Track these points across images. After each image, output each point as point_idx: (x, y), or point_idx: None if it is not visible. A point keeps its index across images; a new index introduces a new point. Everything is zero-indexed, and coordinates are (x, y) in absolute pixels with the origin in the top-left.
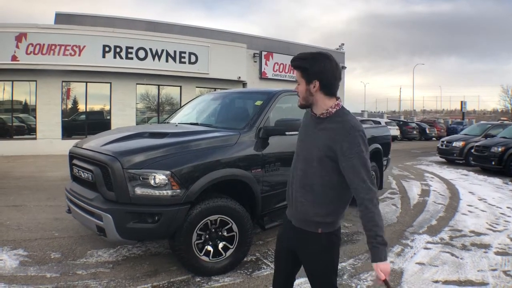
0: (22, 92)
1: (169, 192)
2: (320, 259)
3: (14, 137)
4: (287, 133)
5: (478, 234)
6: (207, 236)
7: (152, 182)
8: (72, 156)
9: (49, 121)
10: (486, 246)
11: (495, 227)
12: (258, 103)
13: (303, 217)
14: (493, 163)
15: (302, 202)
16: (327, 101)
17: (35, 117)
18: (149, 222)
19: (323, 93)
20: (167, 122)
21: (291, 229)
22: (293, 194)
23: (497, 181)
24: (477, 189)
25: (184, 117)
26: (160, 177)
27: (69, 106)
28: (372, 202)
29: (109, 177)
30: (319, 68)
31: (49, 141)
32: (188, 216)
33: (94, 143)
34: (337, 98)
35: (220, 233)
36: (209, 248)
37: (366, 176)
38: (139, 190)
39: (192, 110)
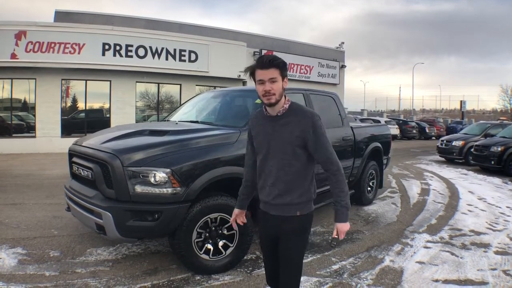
0: (22, 90)
1: (169, 190)
2: (297, 240)
3: (14, 135)
4: None
5: (478, 233)
6: (207, 234)
7: (152, 180)
8: (72, 154)
9: (48, 119)
10: (485, 246)
11: (494, 227)
12: (259, 101)
13: (282, 206)
14: (492, 162)
15: (279, 194)
16: (283, 98)
17: (34, 115)
18: (149, 220)
19: (284, 89)
20: (167, 120)
21: (270, 220)
22: (268, 190)
23: (497, 180)
24: (476, 189)
25: (184, 115)
26: (160, 175)
27: (69, 104)
28: (339, 171)
29: (109, 175)
30: (287, 67)
31: (49, 139)
32: (188, 214)
33: (94, 141)
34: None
35: (220, 231)
36: (209, 246)
37: (332, 151)
38: (139, 188)
39: (192, 108)
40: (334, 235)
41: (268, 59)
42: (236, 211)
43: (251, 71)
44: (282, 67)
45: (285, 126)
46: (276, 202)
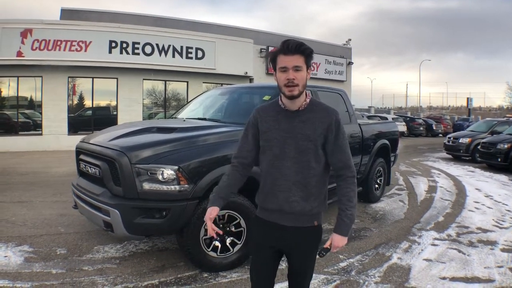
0: (28, 88)
1: (177, 187)
2: (313, 254)
3: (20, 133)
4: None
5: (485, 231)
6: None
7: (160, 177)
8: (79, 151)
9: (55, 117)
10: (492, 243)
11: (501, 224)
12: (266, 97)
13: (299, 215)
14: (499, 159)
15: (296, 201)
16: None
17: (41, 113)
18: (156, 218)
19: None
20: (175, 117)
21: (281, 231)
22: (281, 197)
23: (503, 178)
24: (483, 186)
25: (191, 112)
26: (168, 172)
27: (75, 102)
28: (353, 180)
29: (117, 172)
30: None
31: (55, 137)
32: (196, 211)
33: (102, 138)
34: None
35: (228, 228)
36: (217, 243)
37: (350, 155)
38: (146, 185)
39: (200, 105)
40: (327, 245)
41: (295, 43)
42: (215, 209)
43: (273, 57)
44: (308, 54)
45: (306, 122)
46: (293, 210)
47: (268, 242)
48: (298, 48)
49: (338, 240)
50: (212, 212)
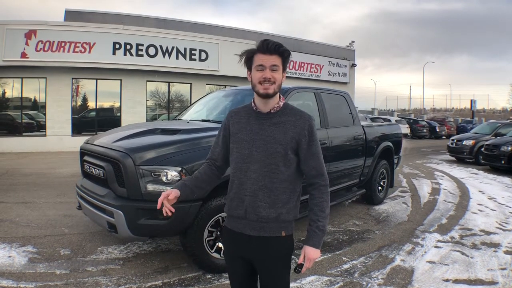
0: (32, 89)
1: None
2: (283, 265)
3: (24, 134)
4: None
5: (488, 233)
6: (218, 233)
7: (164, 178)
8: (83, 152)
9: (59, 118)
10: (495, 245)
11: (504, 226)
12: None
13: (264, 223)
14: (502, 162)
15: (262, 206)
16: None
17: (44, 114)
18: (160, 219)
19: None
20: (179, 119)
21: (246, 240)
22: (246, 203)
23: (507, 180)
24: (486, 188)
25: (195, 113)
26: (172, 173)
27: (79, 103)
28: (326, 189)
29: (121, 174)
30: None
31: (59, 138)
32: (200, 212)
33: (106, 139)
34: None
35: None
36: (220, 245)
37: (323, 162)
38: (150, 187)
39: (204, 107)
40: (300, 261)
41: (274, 44)
42: (175, 191)
43: (249, 55)
44: (286, 56)
45: (277, 125)
46: (257, 217)
47: (237, 253)
48: (277, 48)
49: (310, 253)
50: (171, 192)
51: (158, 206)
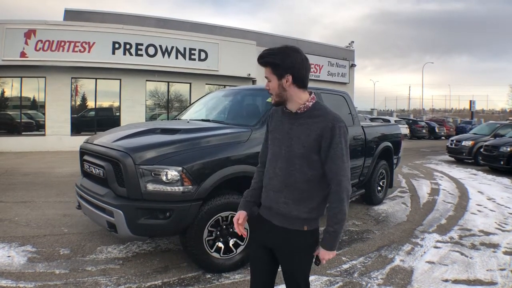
0: (31, 89)
1: (181, 188)
2: (302, 257)
3: (23, 133)
4: None
5: (487, 233)
6: (218, 232)
7: (164, 178)
8: (83, 152)
9: (58, 117)
10: (495, 246)
11: (503, 227)
12: (270, 100)
13: (287, 217)
14: (501, 162)
15: (285, 203)
16: (302, 94)
17: (44, 114)
18: (160, 218)
19: (297, 86)
20: (178, 119)
21: (271, 229)
22: (272, 196)
23: (506, 181)
24: (486, 189)
25: (195, 113)
26: (172, 173)
27: (78, 102)
28: (338, 196)
29: (121, 173)
30: (290, 61)
31: (58, 138)
32: (200, 212)
33: (106, 139)
34: (310, 92)
35: (231, 229)
36: (220, 244)
37: (346, 169)
38: (150, 186)
39: (203, 107)
40: (316, 253)
41: (260, 55)
42: (242, 213)
43: None
44: (273, 65)
45: (303, 126)
46: (280, 211)
47: (261, 238)
48: (261, 60)
49: (323, 254)
50: (239, 216)
51: (239, 230)
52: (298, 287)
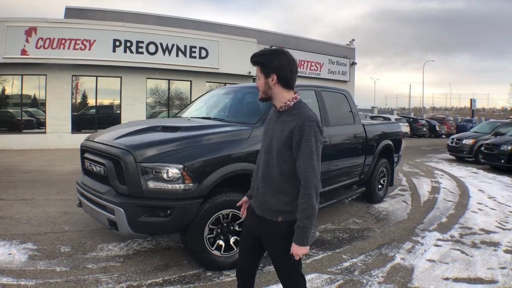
0: (32, 86)
1: (182, 186)
2: (281, 246)
3: (24, 131)
4: None
5: (488, 232)
6: (219, 230)
7: (165, 175)
8: (84, 149)
9: (59, 115)
10: (495, 244)
11: (504, 226)
12: None
13: (265, 206)
14: (502, 161)
15: (263, 192)
16: (285, 93)
17: (44, 111)
18: (161, 216)
19: (281, 86)
20: (179, 117)
21: (255, 218)
22: (256, 186)
23: (506, 179)
24: (486, 187)
25: (196, 111)
26: (173, 170)
27: (79, 100)
28: (306, 191)
29: (122, 171)
30: (277, 62)
31: (59, 135)
32: (201, 210)
33: (107, 136)
34: (295, 92)
35: (232, 227)
36: (221, 242)
37: (315, 166)
38: (151, 184)
39: (204, 105)
40: (292, 251)
41: (252, 56)
42: (245, 198)
43: None
44: (259, 64)
45: (281, 123)
46: (261, 201)
47: (249, 226)
48: (252, 60)
49: (295, 249)
50: (243, 200)
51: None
52: (287, 274)
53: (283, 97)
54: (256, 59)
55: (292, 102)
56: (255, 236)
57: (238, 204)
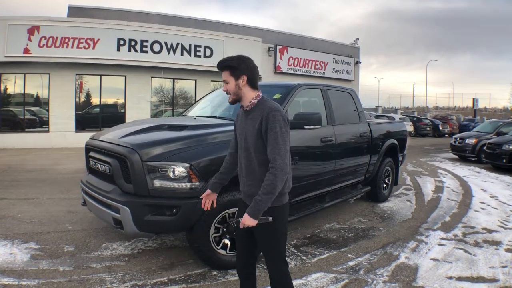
0: (34, 85)
1: (188, 185)
2: (267, 233)
3: (26, 130)
4: (305, 126)
5: (490, 231)
6: (224, 229)
7: (171, 174)
8: (89, 148)
9: (62, 114)
10: (497, 243)
11: (506, 225)
12: (277, 96)
13: (253, 197)
14: (504, 160)
15: (250, 185)
16: (252, 93)
17: (47, 110)
18: (167, 215)
19: (249, 86)
20: (185, 115)
21: (245, 208)
22: (243, 181)
23: (508, 178)
24: (488, 187)
25: (201, 110)
26: (179, 169)
27: (83, 99)
28: (275, 174)
29: (127, 169)
30: (245, 65)
31: (62, 134)
32: None
33: (112, 135)
34: (258, 90)
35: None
36: (227, 241)
37: (281, 149)
38: (157, 183)
39: (210, 103)
40: (242, 220)
41: (220, 62)
42: (208, 191)
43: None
44: (231, 68)
45: (251, 119)
46: (249, 192)
47: (240, 216)
48: (221, 64)
49: (244, 218)
50: (206, 192)
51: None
52: (272, 260)
53: (250, 96)
54: (226, 64)
55: (257, 100)
56: (250, 230)
57: (201, 196)
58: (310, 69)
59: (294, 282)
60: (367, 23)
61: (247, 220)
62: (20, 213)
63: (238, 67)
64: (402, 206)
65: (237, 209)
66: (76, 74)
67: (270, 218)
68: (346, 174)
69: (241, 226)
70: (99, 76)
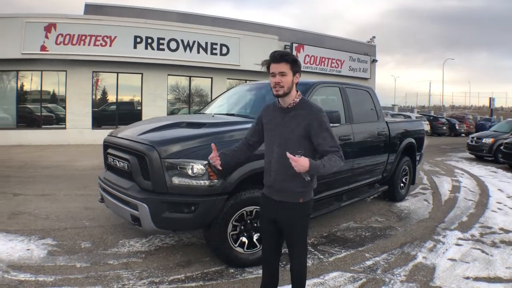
0: (51, 82)
1: (207, 182)
2: (298, 225)
3: (43, 126)
4: None
5: (507, 231)
6: (242, 227)
7: (189, 172)
8: (107, 145)
9: (79, 111)
10: None
11: None
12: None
13: (285, 191)
14: None
15: (283, 180)
16: (295, 92)
17: (64, 107)
18: (185, 212)
19: (296, 85)
20: (202, 113)
21: (273, 204)
22: (272, 176)
23: None
24: (505, 187)
25: (219, 107)
26: (198, 167)
27: (99, 96)
28: (338, 154)
29: (146, 166)
30: (299, 64)
31: (79, 131)
32: (225, 206)
33: (130, 132)
34: (297, 91)
35: (255, 224)
36: (244, 239)
37: (335, 142)
38: (176, 180)
39: (227, 101)
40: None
41: (280, 54)
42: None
43: (267, 65)
44: (292, 62)
45: (293, 117)
46: (280, 188)
47: (267, 214)
48: (282, 57)
49: (304, 161)
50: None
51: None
52: (299, 252)
53: (294, 94)
54: (289, 57)
55: (298, 99)
56: (273, 221)
57: (210, 156)
58: (327, 67)
59: (312, 281)
60: (384, 21)
61: (304, 163)
62: (37, 209)
63: (298, 62)
64: (419, 206)
65: (254, 207)
66: (93, 72)
67: (308, 178)
68: (363, 173)
69: (292, 162)
70: (116, 74)
